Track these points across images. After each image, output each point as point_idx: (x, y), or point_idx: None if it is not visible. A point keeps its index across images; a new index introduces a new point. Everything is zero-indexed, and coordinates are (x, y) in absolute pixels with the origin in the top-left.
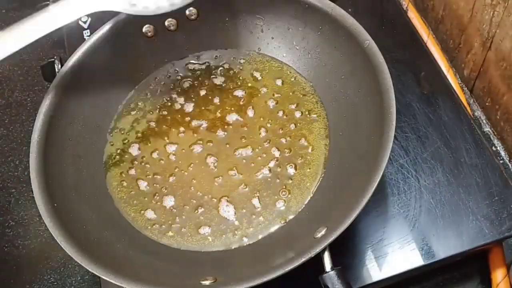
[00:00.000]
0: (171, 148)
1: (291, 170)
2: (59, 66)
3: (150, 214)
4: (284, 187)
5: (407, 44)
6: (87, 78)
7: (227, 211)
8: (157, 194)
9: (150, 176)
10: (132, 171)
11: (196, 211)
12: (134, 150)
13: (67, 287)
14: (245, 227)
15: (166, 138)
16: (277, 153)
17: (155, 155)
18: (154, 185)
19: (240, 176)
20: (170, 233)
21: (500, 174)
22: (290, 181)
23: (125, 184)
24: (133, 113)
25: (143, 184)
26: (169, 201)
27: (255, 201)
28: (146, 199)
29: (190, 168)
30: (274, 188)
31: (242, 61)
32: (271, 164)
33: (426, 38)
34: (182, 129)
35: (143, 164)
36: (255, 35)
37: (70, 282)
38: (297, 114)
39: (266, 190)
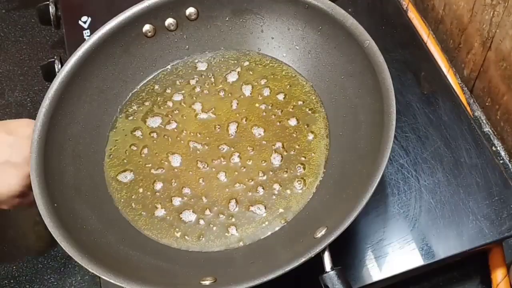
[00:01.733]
0: (171, 148)
1: (291, 170)
2: (59, 66)
3: (159, 212)
4: (284, 187)
5: (407, 44)
6: (87, 78)
7: (228, 211)
8: (158, 194)
9: (151, 176)
10: (133, 171)
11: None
12: (134, 149)
13: (67, 287)
14: (245, 227)
15: (166, 138)
16: (276, 154)
17: (155, 155)
18: (155, 184)
19: (240, 177)
20: (177, 234)
21: (500, 174)
22: (290, 181)
23: (125, 184)
24: (132, 113)
25: (144, 184)
26: (175, 201)
27: (255, 201)
28: (147, 199)
29: (190, 167)
30: (274, 188)
31: (242, 61)
32: (271, 164)
33: (426, 38)
34: (182, 128)
35: (143, 164)
36: (255, 35)
37: (70, 282)
38: (297, 114)
39: (266, 190)
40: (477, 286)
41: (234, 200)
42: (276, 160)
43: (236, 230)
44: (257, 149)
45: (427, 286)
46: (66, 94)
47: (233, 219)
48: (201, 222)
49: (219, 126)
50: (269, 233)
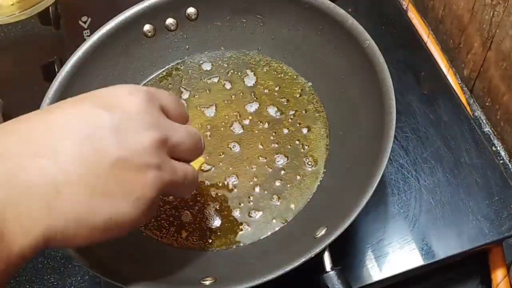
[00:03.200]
0: None
1: (290, 171)
2: (59, 66)
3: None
4: (284, 187)
5: (407, 44)
6: (87, 78)
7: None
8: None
9: None
10: None
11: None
12: None
13: (67, 287)
14: (245, 227)
15: None
16: (277, 154)
17: None
18: None
19: (240, 176)
20: (184, 234)
21: (500, 174)
22: (290, 181)
23: None
24: None
25: None
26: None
27: (255, 201)
28: None
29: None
30: (274, 188)
31: (242, 61)
32: (271, 164)
33: (426, 38)
34: None
35: None
36: (255, 35)
37: (70, 282)
38: (297, 115)
39: (266, 190)
40: (477, 286)
41: (237, 200)
42: (276, 160)
43: (235, 230)
44: (258, 149)
45: (427, 286)
46: (66, 94)
47: (238, 219)
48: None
49: (218, 125)
50: (269, 233)
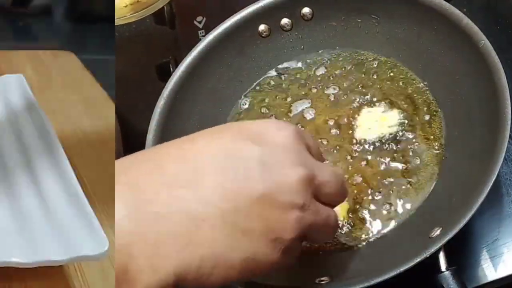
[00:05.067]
0: None
1: (405, 171)
2: (174, 66)
3: None
4: (398, 188)
5: None
6: (202, 78)
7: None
8: None
9: None
10: None
11: None
12: None
13: None
14: (361, 226)
15: None
16: (390, 154)
17: None
18: None
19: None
20: None
21: None
22: (405, 182)
23: None
24: (248, 112)
25: None
26: None
27: (367, 202)
28: None
29: None
30: (390, 187)
31: (356, 60)
32: (385, 165)
33: None
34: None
35: None
36: (370, 35)
37: None
38: (412, 114)
39: (379, 192)
40: None
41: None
42: (390, 160)
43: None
44: (373, 151)
45: None
46: (181, 94)
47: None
48: None
49: (336, 126)
50: (383, 233)
